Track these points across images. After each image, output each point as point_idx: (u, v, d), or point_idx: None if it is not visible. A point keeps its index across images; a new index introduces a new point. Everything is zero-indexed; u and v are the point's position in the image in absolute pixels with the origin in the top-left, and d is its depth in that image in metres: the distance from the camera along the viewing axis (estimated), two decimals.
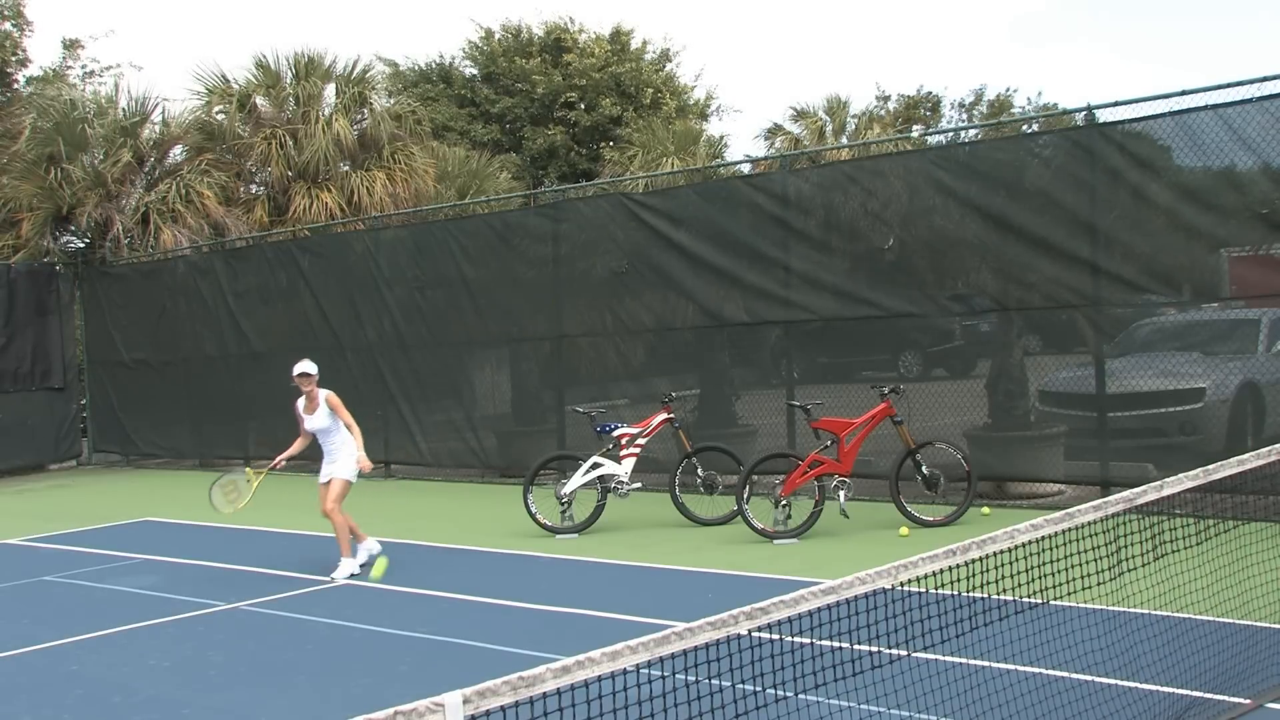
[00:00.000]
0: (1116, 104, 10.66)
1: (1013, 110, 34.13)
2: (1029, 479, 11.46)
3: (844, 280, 12.26)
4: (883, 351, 12.92)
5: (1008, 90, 34.88)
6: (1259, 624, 6.18)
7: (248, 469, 10.28)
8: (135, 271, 19.95)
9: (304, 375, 9.67)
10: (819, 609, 3.49)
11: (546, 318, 14.80)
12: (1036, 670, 5.34)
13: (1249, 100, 9.75)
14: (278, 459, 10.07)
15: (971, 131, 23.90)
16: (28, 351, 19.68)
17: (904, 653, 3.99)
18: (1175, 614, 5.92)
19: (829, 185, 12.54)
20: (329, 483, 9.72)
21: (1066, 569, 4.64)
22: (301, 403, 9.78)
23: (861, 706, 4.76)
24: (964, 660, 5.11)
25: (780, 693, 3.69)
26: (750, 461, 10.49)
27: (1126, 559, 4.96)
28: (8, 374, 19.42)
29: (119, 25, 60.19)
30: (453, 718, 2.63)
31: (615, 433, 11.00)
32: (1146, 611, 5.94)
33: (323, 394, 9.70)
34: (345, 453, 9.72)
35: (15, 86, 26.21)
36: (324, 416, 9.68)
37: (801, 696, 3.85)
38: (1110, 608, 5.88)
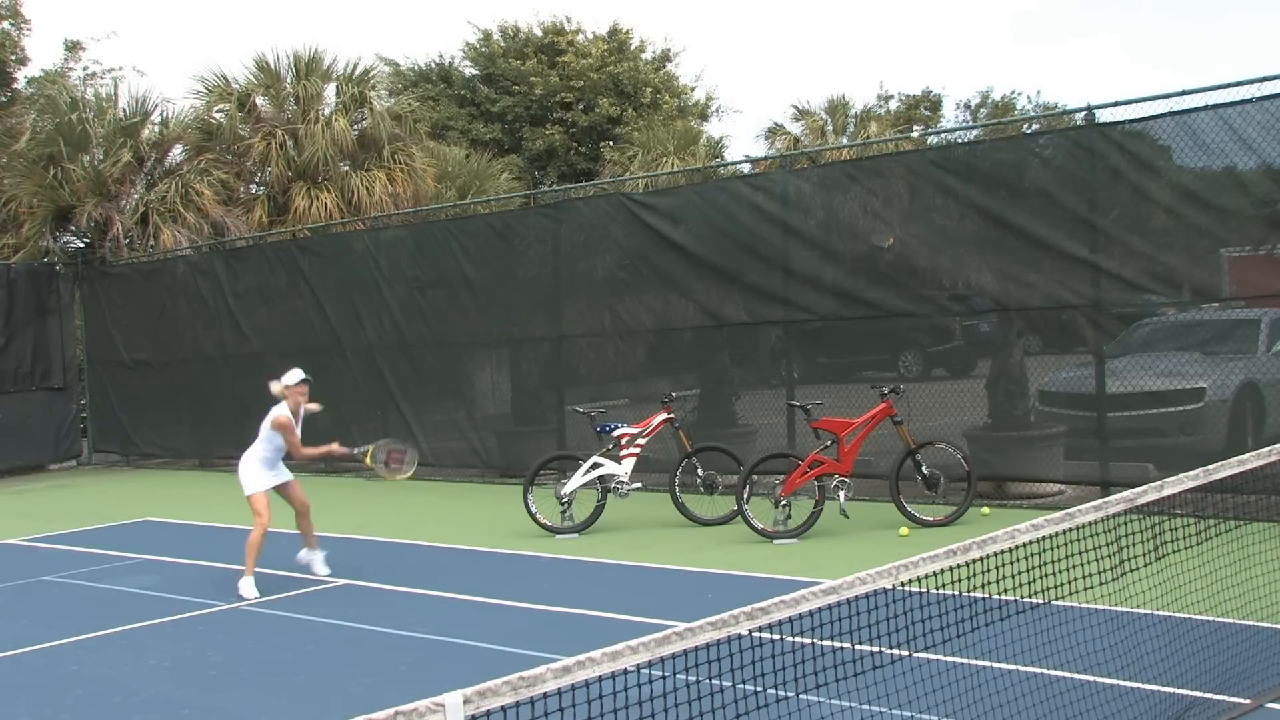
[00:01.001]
0: (1116, 104, 10.66)
1: (1014, 110, 34.17)
2: (1029, 479, 11.46)
3: (844, 280, 12.25)
4: (883, 351, 12.91)
5: (1013, 93, 34.91)
6: (1259, 624, 6.17)
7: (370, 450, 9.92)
8: (135, 271, 19.95)
9: (306, 382, 9.40)
10: (819, 609, 3.48)
11: (546, 318, 14.80)
12: (1037, 670, 5.34)
13: (1249, 100, 9.75)
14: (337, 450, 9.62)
15: (971, 131, 23.90)
16: (28, 351, 19.66)
17: (905, 653, 3.99)
18: (1175, 614, 5.92)
19: (829, 185, 12.53)
20: (292, 481, 9.48)
21: (1070, 569, 4.63)
22: (286, 410, 9.38)
23: (862, 707, 4.76)
24: (965, 660, 5.11)
25: (781, 693, 3.69)
26: (750, 461, 10.49)
27: (1129, 559, 4.95)
28: (8, 374, 19.41)
29: (120, 27, 60.24)
30: (453, 718, 2.62)
31: (615, 433, 10.99)
32: (1146, 612, 5.93)
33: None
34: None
35: (15, 86, 26.22)
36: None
37: (802, 697, 3.84)
38: (1110, 608, 5.88)
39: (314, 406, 9.57)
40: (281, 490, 9.46)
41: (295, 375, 9.41)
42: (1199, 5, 55.33)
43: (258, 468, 9.37)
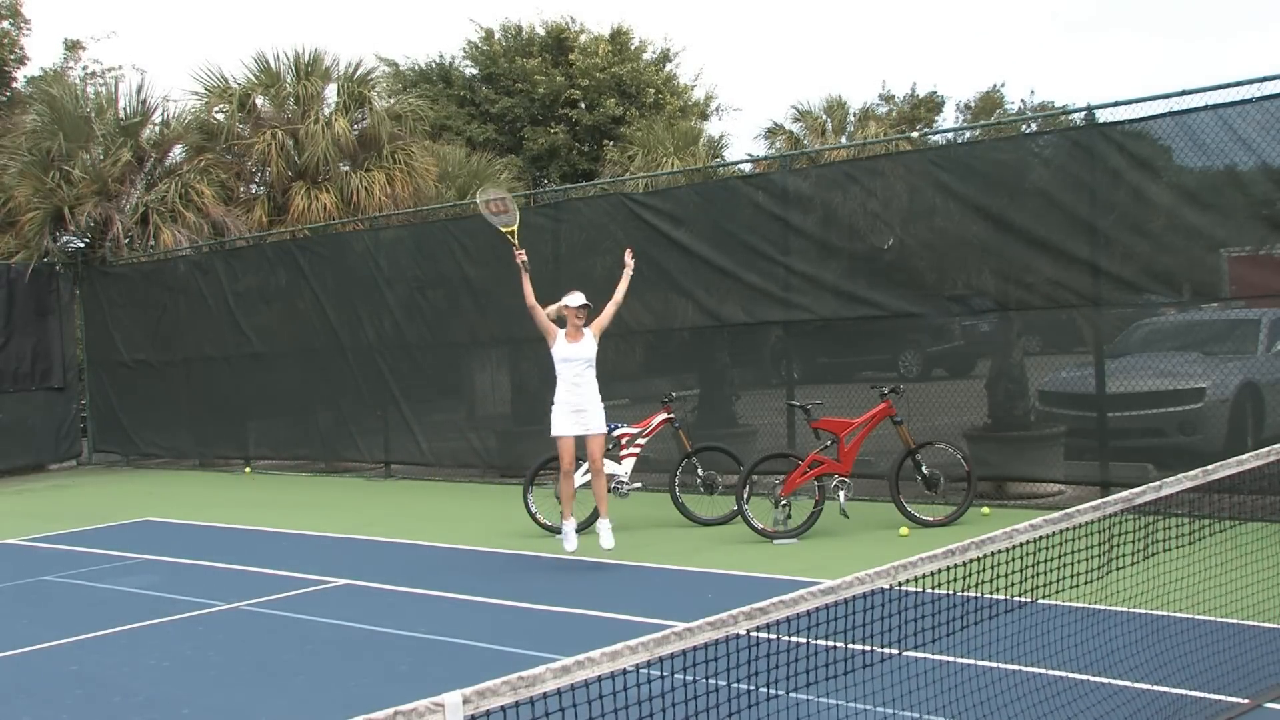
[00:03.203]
0: (1116, 104, 10.66)
1: (1006, 107, 34.19)
2: (1029, 479, 11.46)
3: (844, 280, 12.25)
4: (883, 351, 12.91)
5: (995, 87, 34.95)
6: (1259, 624, 6.18)
7: (515, 223, 10.31)
8: (135, 271, 19.95)
9: (585, 308, 9.58)
10: (818, 609, 3.49)
11: None
12: (1036, 670, 5.35)
13: (1249, 100, 9.75)
14: (522, 256, 9.92)
15: (970, 131, 23.91)
16: (28, 351, 19.67)
17: (903, 652, 4.00)
18: (1175, 614, 5.92)
19: (829, 185, 12.54)
20: (588, 438, 9.41)
21: (1071, 564, 4.64)
22: (561, 335, 9.57)
23: (861, 706, 4.76)
24: (964, 660, 5.12)
25: (775, 691, 3.69)
26: (750, 461, 10.49)
27: (1137, 551, 4.95)
28: (8, 374, 19.42)
29: (120, 26, 60.28)
30: (453, 718, 2.63)
31: (615, 433, 10.99)
32: (1147, 611, 5.94)
33: (589, 329, 9.53)
34: (597, 403, 9.49)
35: (15, 86, 26.22)
36: (590, 346, 9.49)
37: (794, 694, 3.85)
38: (1110, 607, 5.89)
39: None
40: (584, 442, 9.40)
41: (575, 298, 9.62)
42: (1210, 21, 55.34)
43: (557, 409, 9.54)
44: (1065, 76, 55.92)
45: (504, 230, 10.30)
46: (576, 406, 9.47)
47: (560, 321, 9.63)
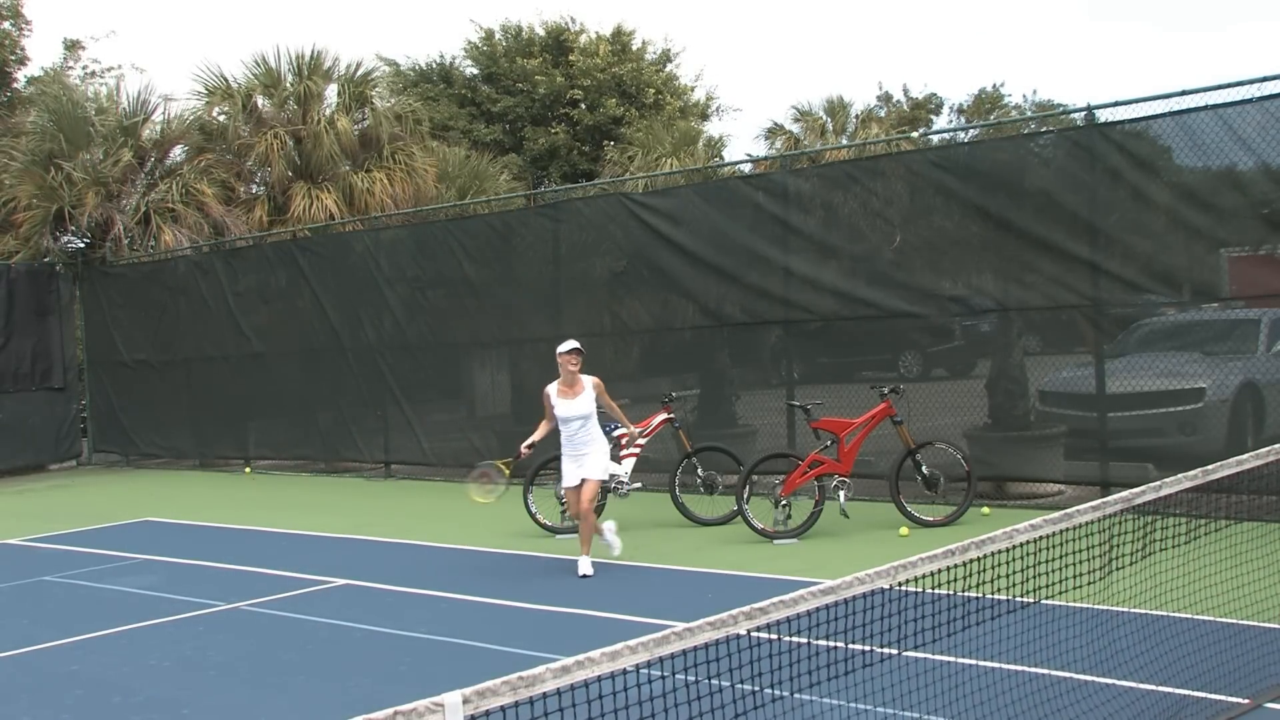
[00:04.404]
0: (1116, 104, 10.67)
1: (1003, 103, 34.17)
2: (1029, 479, 11.46)
3: (844, 280, 12.25)
4: (883, 351, 12.91)
5: (995, 86, 34.95)
6: (1260, 624, 6.18)
7: (498, 462, 10.33)
8: (135, 271, 19.95)
9: (576, 351, 9.11)
10: (818, 609, 3.49)
11: (546, 318, 14.80)
12: (1036, 670, 5.35)
13: (1249, 100, 9.75)
14: (523, 447, 9.56)
15: (971, 131, 23.90)
16: (28, 351, 19.66)
17: (903, 652, 4.00)
18: (1176, 614, 5.92)
19: (829, 185, 12.54)
20: (580, 485, 9.11)
21: (1073, 565, 4.64)
22: (555, 387, 9.15)
23: (861, 706, 4.77)
24: (964, 660, 5.12)
25: (778, 692, 3.70)
26: (750, 461, 10.49)
27: (1136, 551, 4.96)
28: (8, 374, 19.41)
29: (120, 26, 60.27)
30: (453, 718, 2.63)
31: (615, 433, 10.98)
32: (1146, 611, 5.94)
33: (587, 379, 9.15)
34: (597, 449, 9.18)
35: (15, 86, 26.22)
36: (587, 402, 9.10)
37: (799, 696, 3.85)
38: (1111, 608, 5.89)
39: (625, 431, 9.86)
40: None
41: (563, 345, 9.22)
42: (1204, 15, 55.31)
43: (563, 460, 9.25)
44: (1066, 75, 55.91)
45: (500, 485, 10.33)
46: (575, 456, 9.21)
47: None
